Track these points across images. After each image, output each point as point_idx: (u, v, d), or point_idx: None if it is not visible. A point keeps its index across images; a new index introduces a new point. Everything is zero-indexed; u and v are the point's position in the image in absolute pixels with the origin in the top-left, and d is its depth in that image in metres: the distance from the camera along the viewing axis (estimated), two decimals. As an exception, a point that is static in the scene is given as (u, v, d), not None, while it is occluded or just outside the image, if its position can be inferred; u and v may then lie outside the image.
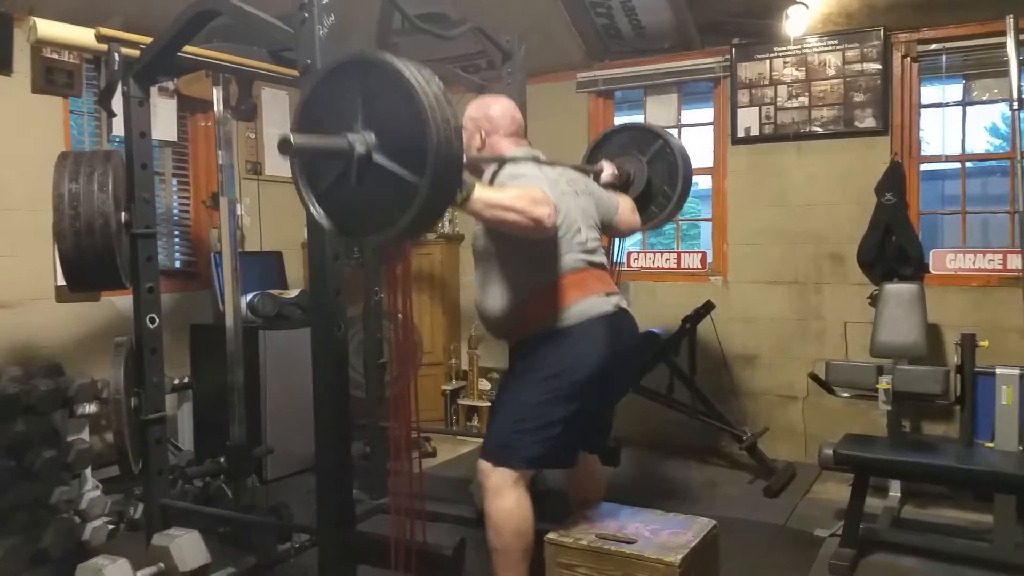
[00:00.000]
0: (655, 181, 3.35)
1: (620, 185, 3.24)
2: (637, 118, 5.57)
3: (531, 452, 2.54)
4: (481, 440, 2.79)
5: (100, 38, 2.76)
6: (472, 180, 2.35)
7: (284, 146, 1.83)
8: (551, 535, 2.54)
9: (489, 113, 2.82)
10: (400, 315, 2.34)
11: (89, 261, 2.84)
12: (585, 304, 2.60)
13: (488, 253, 2.68)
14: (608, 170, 3.21)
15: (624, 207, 3.06)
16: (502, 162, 2.66)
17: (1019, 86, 3.97)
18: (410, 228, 1.89)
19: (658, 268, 5.39)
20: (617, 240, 3.37)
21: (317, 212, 2.02)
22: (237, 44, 3.11)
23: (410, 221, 1.86)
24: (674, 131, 5.43)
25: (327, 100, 1.99)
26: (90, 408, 3.77)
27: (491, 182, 2.64)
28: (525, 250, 2.57)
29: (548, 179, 2.64)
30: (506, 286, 2.64)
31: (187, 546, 2.65)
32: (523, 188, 2.47)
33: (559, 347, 2.56)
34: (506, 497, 2.53)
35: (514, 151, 2.75)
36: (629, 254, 5.46)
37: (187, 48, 2.86)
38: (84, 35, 2.77)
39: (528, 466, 2.57)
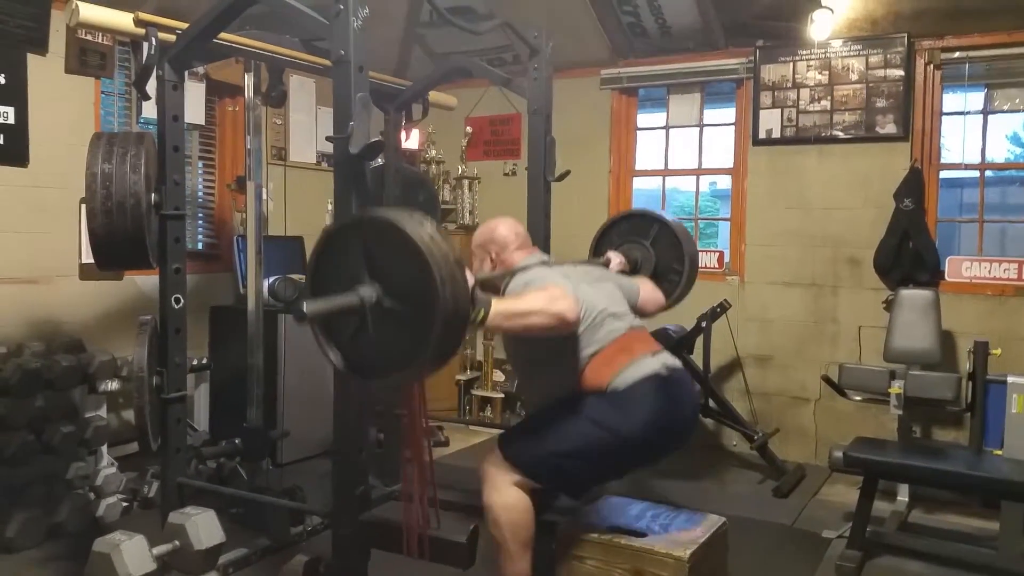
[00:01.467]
0: (662, 261, 3.40)
1: (629, 272, 3.27)
2: (660, 116, 5.59)
3: (548, 476, 2.53)
4: (494, 430, 2.80)
5: (138, 22, 2.80)
6: (488, 297, 2.36)
7: (299, 316, 1.91)
8: (563, 527, 2.57)
9: (494, 236, 2.82)
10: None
11: (118, 240, 2.88)
12: (634, 368, 2.54)
13: (526, 361, 2.72)
14: (616, 260, 3.23)
15: (646, 287, 3.05)
16: (512, 274, 2.67)
17: (1042, 97, 3.98)
18: (428, 365, 1.99)
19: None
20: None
21: (339, 362, 2.11)
22: (270, 32, 3.15)
23: (428, 359, 1.95)
24: (695, 130, 5.46)
25: (332, 262, 2.10)
26: (111, 385, 3.83)
27: (503, 294, 2.63)
28: (559, 348, 2.56)
29: (561, 274, 2.65)
30: (551, 385, 2.63)
31: (203, 525, 2.68)
32: (538, 290, 2.47)
33: (617, 403, 2.50)
34: (505, 493, 2.52)
35: (524, 260, 2.76)
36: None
37: (222, 35, 2.91)
38: (123, 19, 2.81)
39: (538, 482, 2.55)
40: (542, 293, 2.42)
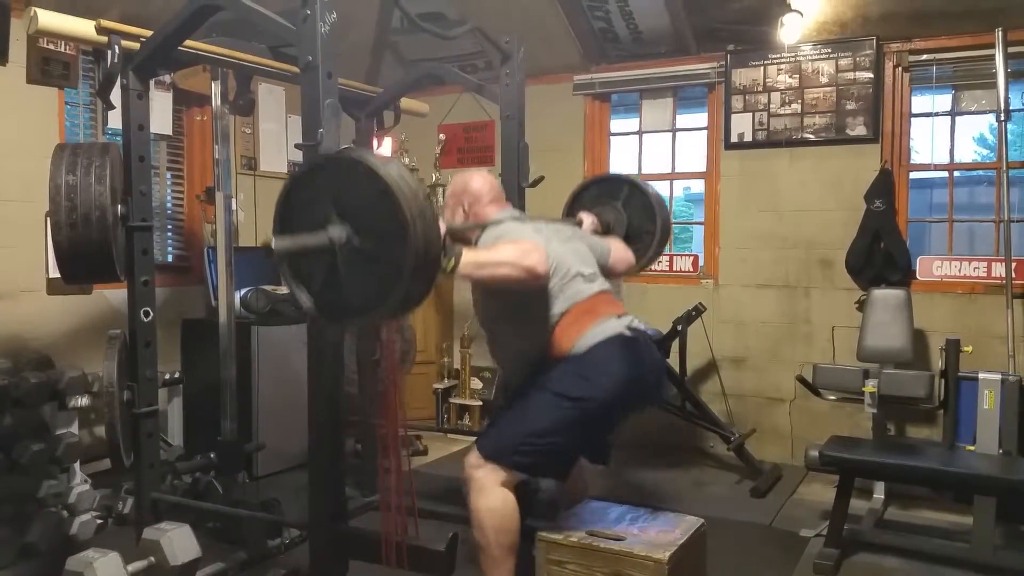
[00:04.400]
0: (634, 223, 3.43)
1: (601, 233, 3.28)
2: (633, 122, 5.61)
3: (529, 460, 2.55)
4: (472, 438, 2.80)
5: (100, 30, 2.76)
6: (459, 247, 2.39)
7: (268, 251, 1.93)
8: (542, 532, 2.56)
9: (468, 188, 2.85)
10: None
11: (84, 253, 2.84)
12: (599, 328, 2.61)
13: (493, 318, 2.74)
14: (588, 220, 3.25)
15: (617, 246, 3.10)
16: (484, 226, 2.71)
17: (1006, 98, 4.03)
18: (399, 306, 1.99)
19: (650, 270, 5.39)
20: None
21: (308, 303, 2.11)
22: (237, 39, 3.12)
23: (397, 300, 1.94)
24: (668, 135, 5.48)
25: (301, 204, 2.08)
26: (81, 401, 3.76)
27: (475, 246, 2.67)
28: (526, 304, 2.60)
29: (533, 230, 2.69)
30: (520, 341, 2.68)
31: (178, 540, 2.65)
32: (510, 242, 2.51)
33: (581, 370, 2.56)
34: (491, 495, 2.53)
35: (497, 215, 2.79)
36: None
37: (187, 42, 2.88)
38: (84, 27, 2.78)
39: (520, 470, 2.57)
40: (513, 246, 2.47)
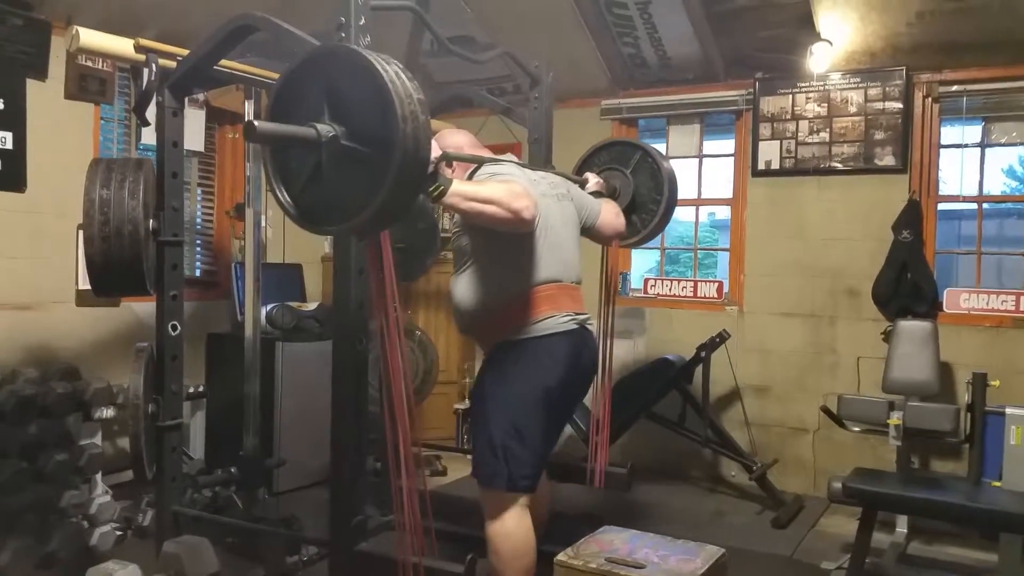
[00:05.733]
0: (641, 192, 3.44)
1: (606, 196, 3.28)
2: (660, 147, 5.61)
3: (513, 457, 2.57)
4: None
5: (139, 48, 2.82)
6: (450, 177, 2.35)
7: (249, 131, 1.85)
8: (560, 557, 2.54)
9: (454, 140, 2.83)
10: (388, 323, 2.30)
11: (116, 266, 2.88)
12: (553, 320, 2.64)
13: (467, 252, 2.70)
14: (593, 180, 3.24)
15: (608, 210, 3.09)
16: (482, 162, 2.67)
17: (1037, 130, 4.00)
18: (380, 212, 1.89)
19: (675, 296, 5.41)
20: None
21: (285, 200, 2.05)
22: (271, 59, 3.16)
23: (380, 203, 1.86)
24: (695, 161, 5.48)
25: (294, 99, 2.01)
26: (106, 413, 3.80)
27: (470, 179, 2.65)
28: (503, 252, 2.62)
29: (528, 179, 2.67)
30: (482, 286, 2.67)
31: (198, 554, 2.67)
32: (502, 182, 2.49)
33: (525, 359, 2.61)
34: (504, 519, 2.54)
35: (498, 158, 2.77)
36: (647, 281, 5.49)
37: (222, 61, 2.92)
38: (123, 45, 2.84)
39: (511, 486, 2.57)
40: (505, 186, 2.45)
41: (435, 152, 2.16)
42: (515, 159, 2.86)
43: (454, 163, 2.71)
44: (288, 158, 2.04)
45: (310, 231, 2.14)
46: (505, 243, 2.58)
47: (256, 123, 1.86)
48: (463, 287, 2.71)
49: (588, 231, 2.99)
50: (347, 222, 1.96)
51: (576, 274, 2.81)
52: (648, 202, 3.45)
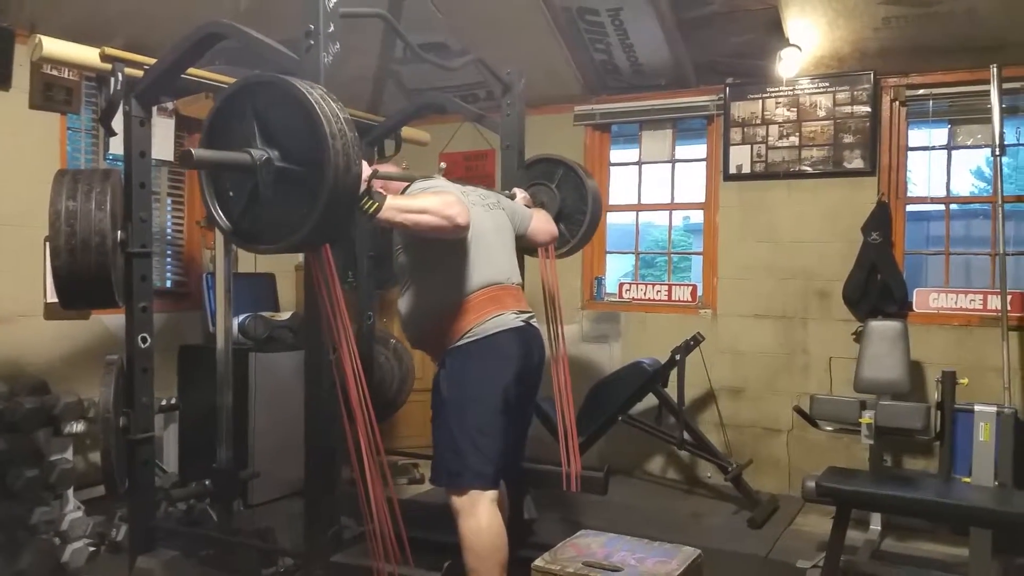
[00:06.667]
0: (567, 204, 3.68)
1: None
2: (632, 152, 5.65)
3: (476, 467, 2.63)
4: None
5: (104, 57, 2.79)
6: (384, 193, 2.45)
7: (185, 159, 1.96)
8: (538, 562, 2.54)
9: (383, 169, 2.93)
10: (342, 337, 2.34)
11: (83, 278, 2.84)
12: (500, 318, 2.73)
13: (408, 268, 2.82)
14: (520, 194, 3.34)
15: (539, 217, 3.23)
16: (412, 180, 2.83)
17: (1001, 133, 4.07)
18: (318, 227, 2.00)
19: (649, 300, 5.43)
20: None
21: (222, 221, 2.16)
22: (239, 67, 3.14)
23: (317, 219, 1.96)
24: (668, 166, 5.52)
25: (229, 126, 2.13)
26: (76, 427, 3.75)
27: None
28: (439, 262, 2.71)
29: (459, 190, 2.79)
30: (425, 298, 2.78)
31: (172, 568, 2.64)
32: (435, 193, 2.62)
33: (477, 359, 2.69)
34: (478, 515, 2.60)
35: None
36: (621, 285, 5.51)
37: (190, 70, 2.90)
38: (88, 54, 2.80)
39: (475, 481, 2.63)
40: (437, 196, 2.58)
41: (366, 172, 2.27)
42: (442, 177, 3.00)
43: (390, 185, 2.87)
44: (224, 181, 2.15)
45: (249, 251, 2.26)
46: (440, 253, 2.69)
47: (193, 151, 1.96)
48: (407, 302, 2.83)
49: (523, 239, 3.11)
50: (287, 240, 2.06)
51: (516, 277, 2.93)
52: (575, 212, 3.68)
